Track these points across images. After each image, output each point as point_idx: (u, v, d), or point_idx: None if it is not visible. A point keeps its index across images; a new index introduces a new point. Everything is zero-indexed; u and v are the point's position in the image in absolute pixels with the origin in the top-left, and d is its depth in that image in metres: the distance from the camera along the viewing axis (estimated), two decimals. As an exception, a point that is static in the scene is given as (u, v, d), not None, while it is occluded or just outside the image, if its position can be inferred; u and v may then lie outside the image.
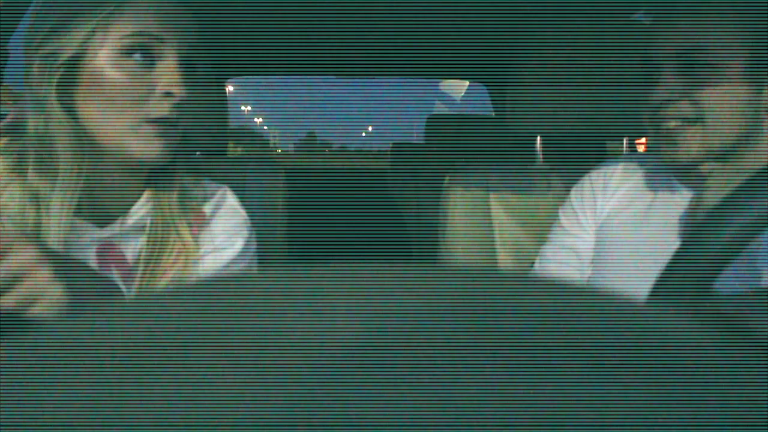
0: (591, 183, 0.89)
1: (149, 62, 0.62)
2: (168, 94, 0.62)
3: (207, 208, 0.74)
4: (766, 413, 0.13)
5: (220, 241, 0.73)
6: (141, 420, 0.13)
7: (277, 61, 2.00)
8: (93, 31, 0.61)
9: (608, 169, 0.89)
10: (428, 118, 2.06)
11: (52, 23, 0.62)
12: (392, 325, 0.16)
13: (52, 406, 0.13)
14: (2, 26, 0.94)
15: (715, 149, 0.72)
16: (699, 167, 0.75)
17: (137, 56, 0.62)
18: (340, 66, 2.14)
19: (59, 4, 0.63)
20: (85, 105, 0.62)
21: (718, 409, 0.13)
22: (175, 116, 0.63)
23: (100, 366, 0.15)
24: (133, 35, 0.61)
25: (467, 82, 2.74)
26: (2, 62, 0.98)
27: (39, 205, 0.62)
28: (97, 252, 0.66)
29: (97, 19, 0.61)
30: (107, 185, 0.67)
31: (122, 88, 0.61)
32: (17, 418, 0.13)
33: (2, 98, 0.98)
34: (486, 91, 2.27)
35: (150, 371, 0.15)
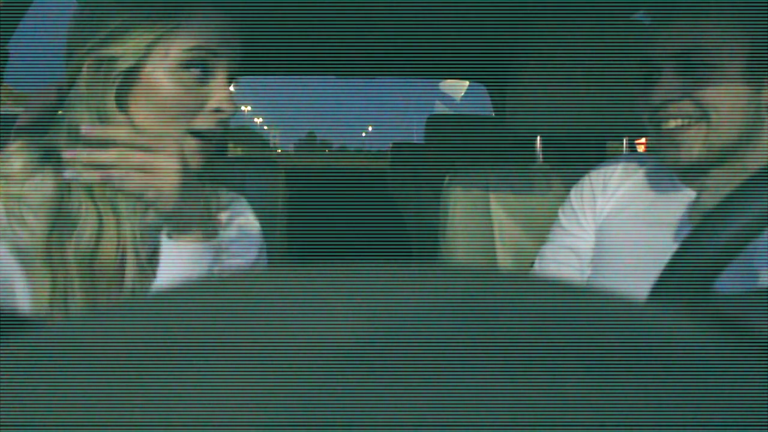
0: (591, 183, 0.88)
1: (204, 77, 0.63)
2: (218, 110, 0.63)
3: (223, 216, 0.74)
4: (766, 413, 0.13)
5: (233, 250, 0.73)
6: (141, 420, 0.13)
7: (278, 61, 2.00)
8: (157, 41, 0.61)
9: (608, 169, 0.88)
10: (428, 118, 2.06)
11: (114, 27, 0.61)
12: (392, 324, 0.16)
13: (52, 406, 0.13)
14: (2, 26, 0.94)
15: (716, 149, 0.72)
16: (701, 167, 0.74)
17: (195, 70, 0.62)
18: (341, 66, 2.14)
19: (123, 7, 0.62)
20: (137, 111, 0.62)
21: (718, 409, 0.13)
22: (219, 130, 0.64)
23: (99, 366, 0.15)
24: (193, 50, 0.62)
25: (467, 82, 2.74)
26: (2, 62, 0.98)
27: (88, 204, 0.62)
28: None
29: (162, 29, 0.61)
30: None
31: (176, 100, 0.62)
32: (17, 418, 0.13)
33: (2, 98, 0.98)
34: (486, 91, 2.27)
35: (150, 371, 0.15)
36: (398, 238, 1.75)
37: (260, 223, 0.86)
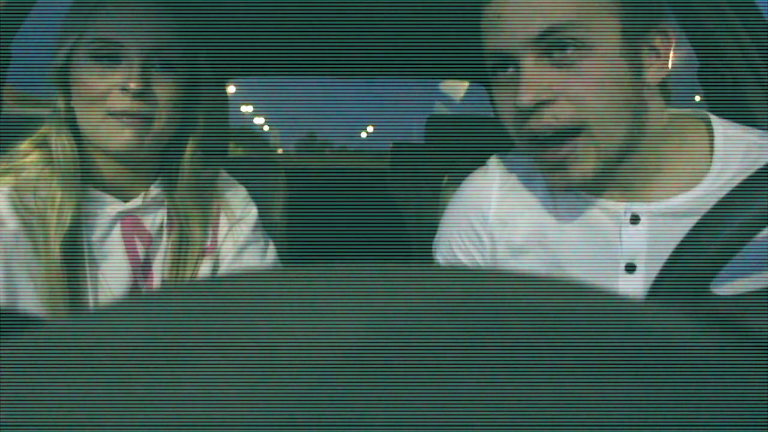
0: (479, 208, 0.70)
1: (112, 64, 0.71)
2: (124, 89, 0.70)
3: (236, 210, 0.85)
4: (766, 413, 0.13)
5: (245, 242, 0.83)
6: (141, 420, 0.13)
7: (278, 62, 2.01)
8: (75, 41, 0.71)
9: (485, 182, 0.71)
10: (428, 119, 2.06)
11: (57, 38, 0.74)
12: (392, 324, 0.16)
13: (52, 406, 0.13)
14: (4, 28, 0.94)
15: (612, 151, 0.58)
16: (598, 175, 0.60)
17: (101, 59, 0.71)
18: (341, 67, 2.14)
19: (63, 16, 0.74)
20: (75, 104, 0.73)
21: (718, 409, 0.13)
22: (136, 109, 0.70)
23: (100, 366, 0.15)
24: (96, 42, 0.71)
25: (467, 83, 2.74)
26: (5, 63, 0.98)
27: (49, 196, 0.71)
28: (121, 223, 0.77)
29: (76, 30, 0.71)
30: (117, 170, 0.76)
31: (90, 87, 0.70)
32: (17, 418, 0.13)
33: (5, 99, 0.99)
34: (486, 91, 2.27)
35: (150, 371, 0.15)
36: (398, 238, 1.75)
37: (260, 223, 0.87)
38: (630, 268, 0.61)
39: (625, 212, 0.61)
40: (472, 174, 0.74)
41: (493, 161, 0.73)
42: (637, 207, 0.61)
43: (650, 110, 0.60)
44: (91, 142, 0.74)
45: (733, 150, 0.60)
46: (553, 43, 0.55)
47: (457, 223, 0.73)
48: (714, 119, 0.63)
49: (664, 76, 0.60)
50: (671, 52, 0.60)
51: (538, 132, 0.57)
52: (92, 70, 0.71)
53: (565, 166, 0.58)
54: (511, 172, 0.70)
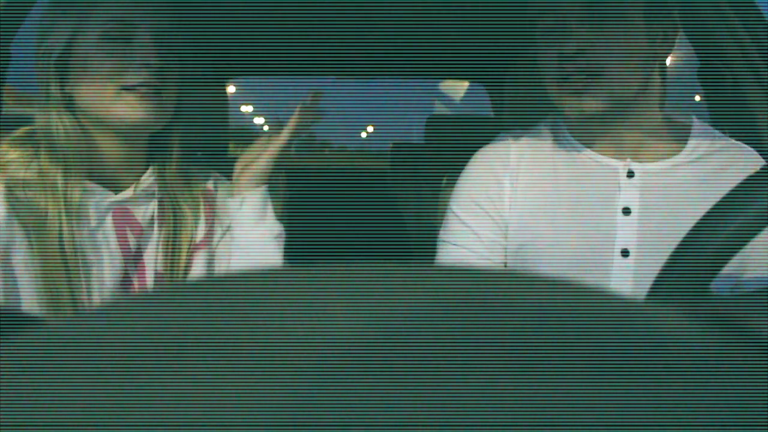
0: (490, 171, 0.85)
1: (126, 41, 0.72)
2: (142, 63, 0.72)
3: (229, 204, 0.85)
4: (766, 413, 0.13)
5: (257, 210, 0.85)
6: (141, 420, 0.13)
7: (279, 62, 2.01)
8: (76, 27, 0.72)
9: (499, 151, 0.86)
10: (428, 119, 2.06)
11: (45, 25, 0.74)
12: (392, 325, 0.16)
13: (52, 406, 0.13)
14: (4, 27, 0.94)
15: (617, 100, 0.73)
16: (599, 121, 0.77)
17: (114, 39, 0.72)
18: (341, 67, 2.14)
19: (48, 7, 0.74)
20: (78, 86, 0.73)
21: (718, 409, 0.13)
22: (152, 81, 0.72)
23: (100, 366, 0.15)
24: (108, 23, 0.72)
25: (467, 83, 2.74)
26: (4, 63, 0.98)
27: (49, 186, 0.71)
28: (113, 215, 0.77)
29: (77, 16, 0.72)
30: (115, 155, 0.77)
31: (104, 64, 0.71)
32: (17, 418, 0.13)
33: (5, 98, 0.99)
34: (485, 91, 2.27)
35: (150, 371, 0.15)
36: (398, 238, 1.75)
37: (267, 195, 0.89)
38: (626, 211, 0.77)
39: (623, 167, 0.78)
40: (488, 145, 0.89)
41: (508, 137, 0.88)
42: (633, 165, 0.78)
43: (651, 84, 0.77)
44: (99, 121, 0.74)
45: (704, 137, 0.79)
46: (597, 8, 0.72)
47: (480, 176, 0.86)
48: (695, 119, 0.82)
49: (665, 63, 0.79)
50: (673, 45, 0.77)
51: (571, 72, 0.73)
52: (105, 50, 0.72)
53: (581, 96, 0.73)
54: (525, 147, 0.85)
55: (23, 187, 0.71)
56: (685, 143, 0.79)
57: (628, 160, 0.78)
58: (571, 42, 0.72)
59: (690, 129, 0.80)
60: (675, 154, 0.78)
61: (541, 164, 0.83)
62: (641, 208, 0.76)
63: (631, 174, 0.78)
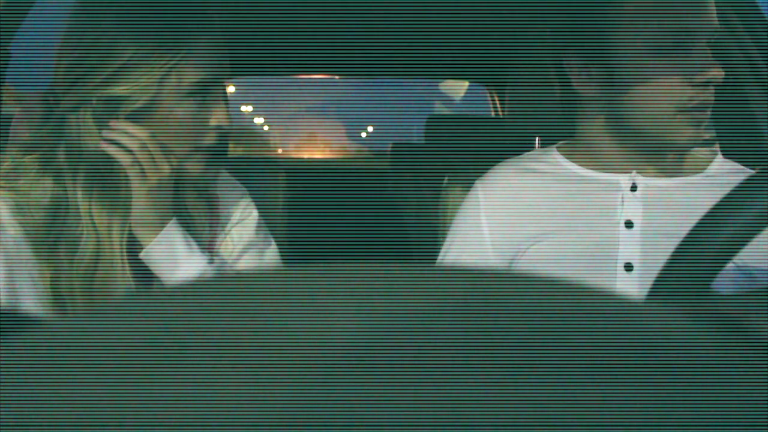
0: (495, 202, 0.82)
1: (207, 100, 0.69)
2: (219, 128, 0.70)
3: (237, 211, 0.82)
4: (766, 413, 0.13)
5: (247, 242, 0.82)
6: (141, 420, 0.13)
7: (279, 62, 2.01)
8: (164, 78, 0.64)
9: (501, 178, 0.84)
10: (428, 118, 2.06)
11: (120, 64, 0.64)
12: (392, 325, 0.16)
13: (52, 406, 0.13)
14: (4, 27, 0.94)
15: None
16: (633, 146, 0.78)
17: (198, 97, 0.68)
18: (341, 66, 2.14)
19: (129, 44, 0.64)
20: (150, 135, 0.67)
21: (718, 409, 0.13)
22: (220, 143, 0.72)
23: (100, 366, 0.15)
24: (196, 79, 0.66)
25: (467, 83, 2.74)
26: (5, 63, 0.98)
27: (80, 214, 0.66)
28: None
29: (168, 64, 0.64)
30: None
31: (183, 124, 0.67)
32: (17, 418, 0.13)
33: (5, 99, 0.99)
34: (485, 91, 2.27)
35: (150, 371, 0.15)
36: (398, 238, 1.75)
37: (263, 222, 0.88)
38: (629, 224, 0.76)
39: (627, 181, 0.78)
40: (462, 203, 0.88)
41: (477, 185, 0.86)
42: (638, 179, 0.78)
43: None
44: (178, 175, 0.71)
45: (726, 168, 0.79)
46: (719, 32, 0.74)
47: (460, 221, 0.85)
48: (719, 152, 0.84)
49: None
50: None
51: (702, 101, 0.72)
52: (188, 108, 0.67)
53: (699, 126, 0.73)
54: (494, 187, 0.84)
55: (35, 206, 0.66)
56: (704, 169, 0.79)
57: (634, 173, 0.78)
58: (707, 72, 0.71)
59: (713, 157, 0.81)
60: (686, 175, 0.78)
61: (523, 189, 0.81)
62: (644, 221, 0.75)
63: (634, 188, 0.77)
